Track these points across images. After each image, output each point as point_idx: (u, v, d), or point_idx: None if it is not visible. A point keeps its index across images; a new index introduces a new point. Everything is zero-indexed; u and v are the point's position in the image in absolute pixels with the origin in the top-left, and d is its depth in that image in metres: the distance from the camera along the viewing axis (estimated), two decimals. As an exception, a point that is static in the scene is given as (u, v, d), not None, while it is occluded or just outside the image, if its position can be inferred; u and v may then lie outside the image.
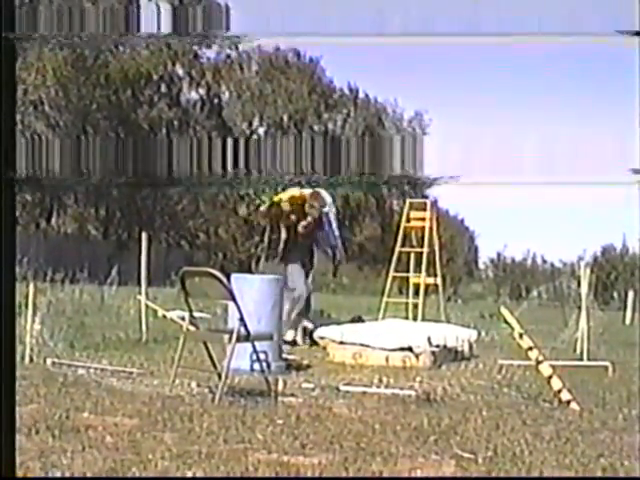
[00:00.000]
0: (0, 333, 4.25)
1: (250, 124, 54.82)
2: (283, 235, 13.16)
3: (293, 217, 13.23)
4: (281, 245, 13.15)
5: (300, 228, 13.19)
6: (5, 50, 4.40)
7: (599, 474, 5.57)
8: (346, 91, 56.85)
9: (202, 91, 54.36)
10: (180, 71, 52.87)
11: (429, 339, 11.50)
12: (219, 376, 7.97)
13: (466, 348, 12.35)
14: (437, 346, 11.69)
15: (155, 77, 50.70)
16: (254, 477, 5.18)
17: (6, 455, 4.23)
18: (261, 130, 54.86)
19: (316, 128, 54.85)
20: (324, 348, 11.89)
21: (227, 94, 55.33)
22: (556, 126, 47.72)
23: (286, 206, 13.16)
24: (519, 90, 62.94)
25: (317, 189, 13.55)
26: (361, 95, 57.00)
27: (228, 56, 54.75)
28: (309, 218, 13.23)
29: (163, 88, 51.87)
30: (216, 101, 54.61)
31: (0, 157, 4.27)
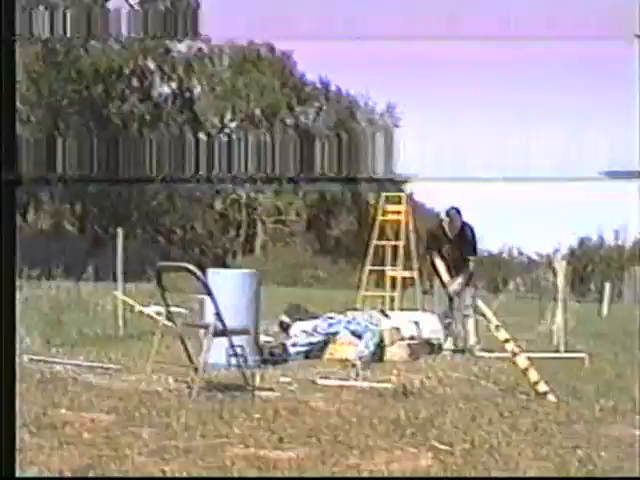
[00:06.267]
0: (0, 333, 4.23)
1: (222, 118, 54.72)
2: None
3: None
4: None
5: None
6: (5, 50, 4.35)
7: (575, 465, 5.59)
8: (318, 84, 56.83)
9: (174, 85, 54.21)
10: (151, 65, 52.69)
11: (398, 330, 11.57)
12: (195, 371, 7.96)
13: (441, 337, 12.37)
14: (412, 338, 11.75)
15: (126, 71, 50.54)
16: (248, 477, 5.16)
17: (6, 455, 4.20)
18: (233, 124, 54.78)
19: (288, 121, 54.82)
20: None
21: (199, 88, 55.21)
22: (538, 124, 47.88)
23: None
24: (495, 86, 63.13)
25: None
26: (333, 88, 57.02)
27: (200, 49, 54.58)
28: None
29: (135, 82, 51.70)
30: (188, 95, 54.48)
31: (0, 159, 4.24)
